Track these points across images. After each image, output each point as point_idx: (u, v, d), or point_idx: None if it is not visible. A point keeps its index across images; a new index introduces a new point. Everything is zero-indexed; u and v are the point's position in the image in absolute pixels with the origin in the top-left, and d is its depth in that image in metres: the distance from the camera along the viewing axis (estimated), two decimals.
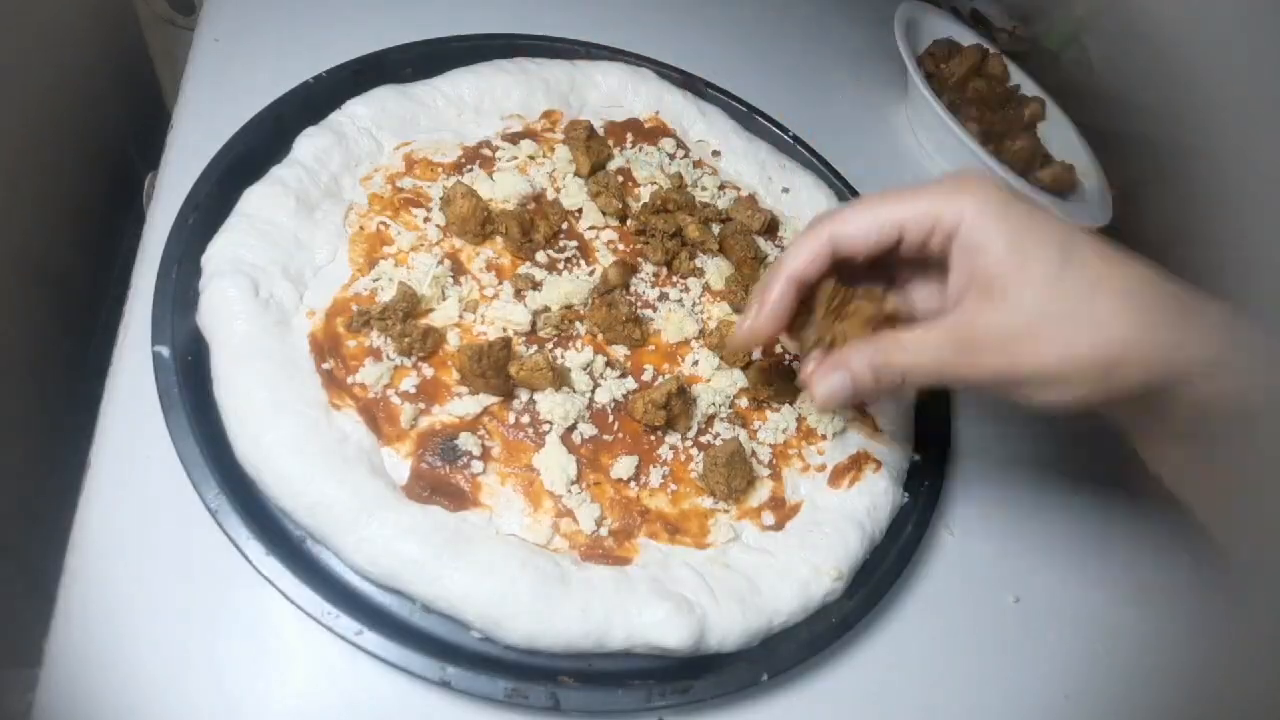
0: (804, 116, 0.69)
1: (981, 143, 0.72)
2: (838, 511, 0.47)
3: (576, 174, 0.55)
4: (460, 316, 0.46)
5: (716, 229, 0.56)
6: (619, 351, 0.49)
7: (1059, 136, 0.80)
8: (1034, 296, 0.33)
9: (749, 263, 0.54)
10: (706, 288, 0.54)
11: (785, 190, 0.63)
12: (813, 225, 0.38)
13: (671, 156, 0.60)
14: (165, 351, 0.41)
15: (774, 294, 0.38)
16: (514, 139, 0.55)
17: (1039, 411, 0.36)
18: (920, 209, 0.35)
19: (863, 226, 0.37)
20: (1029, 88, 0.83)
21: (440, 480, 0.41)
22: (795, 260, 0.37)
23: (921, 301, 0.41)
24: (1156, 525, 0.61)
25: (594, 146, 0.55)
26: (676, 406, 0.45)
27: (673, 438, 0.47)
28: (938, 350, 0.35)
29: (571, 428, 0.45)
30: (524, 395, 0.45)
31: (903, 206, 0.36)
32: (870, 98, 0.82)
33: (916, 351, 0.36)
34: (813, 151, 0.67)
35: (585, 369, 0.47)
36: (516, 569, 0.38)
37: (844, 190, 0.65)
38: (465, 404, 0.44)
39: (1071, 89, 0.86)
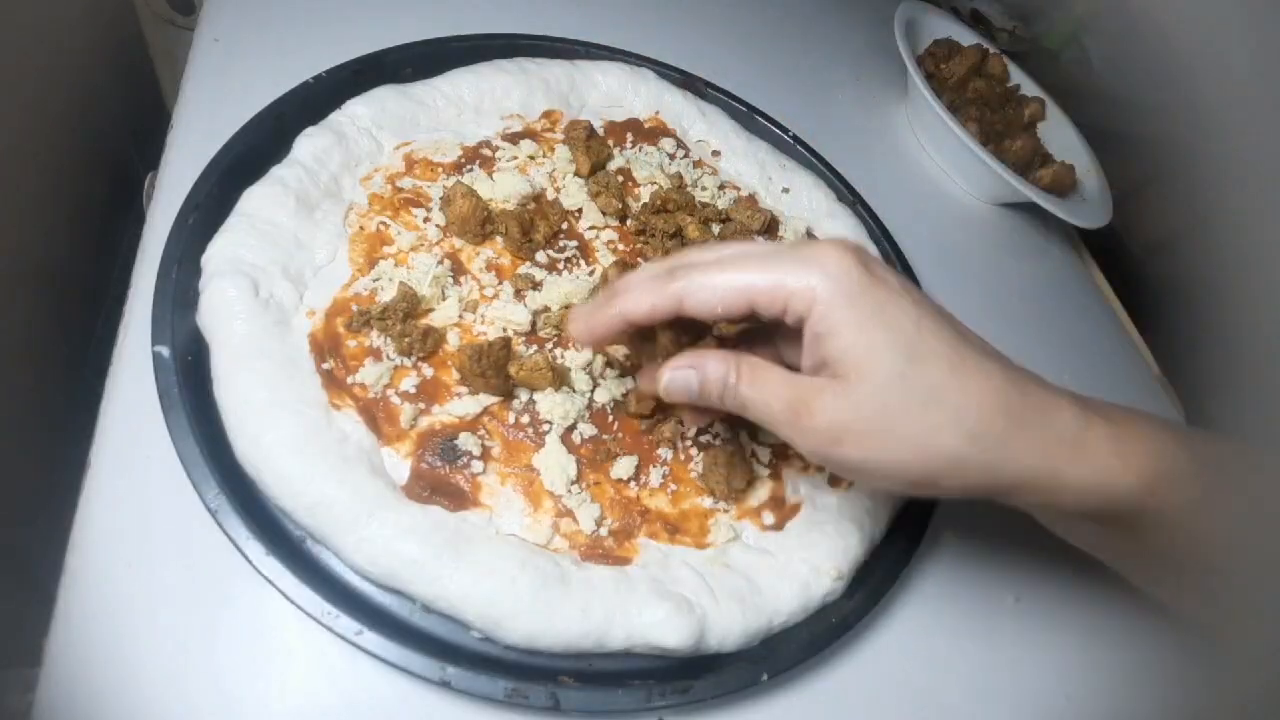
0: (804, 116, 0.69)
1: (981, 142, 0.72)
2: (838, 511, 0.47)
3: (576, 174, 0.55)
4: (460, 316, 0.46)
5: (716, 229, 0.56)
6: (619, 351, 0.49)
7: (1059, 136, 0.80)
8: (874, 396, 0.32)
9: None
10: None
11: (785, 190, 0.63)
12: (666, 275, 0.35)
13: (671, 156, 0.60)
14: (165, 351, 0.41)
15: (602, 320, 0.37)
16: (514, 139, 0.55)
17: None
18: (772, 282, 0.34)
19: (709, 297, 0.34)
20: (1029, 88, 0.83)
21: (440, 480, 0.41)
22: (636, 308, 0.36)
23: (790, 355, 0.40)
24: None
25: (594, 146, 0.55)
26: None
27: (671, 427, 0.46)
28: (779, 407, 0.34)
29: (571, 428, 0.45)
30: (524, 395, 0.45)
31: (755, 277, 0.34)
32: (870, 98, 0.82)
33: (764, 390, 0.35)
34: (813, 151, 0.67)
35: (585, 369, 0.47)
36: (516, 569, 0.38)
37: (844, 190, 0.65)
38: (465, 404, 0.44)
39: (1071, 89, 0.86)
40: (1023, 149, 0.74)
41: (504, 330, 0.47)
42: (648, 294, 0.36)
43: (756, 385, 0.35)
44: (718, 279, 0.35)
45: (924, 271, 0.65)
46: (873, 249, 0.62)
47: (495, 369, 0.42)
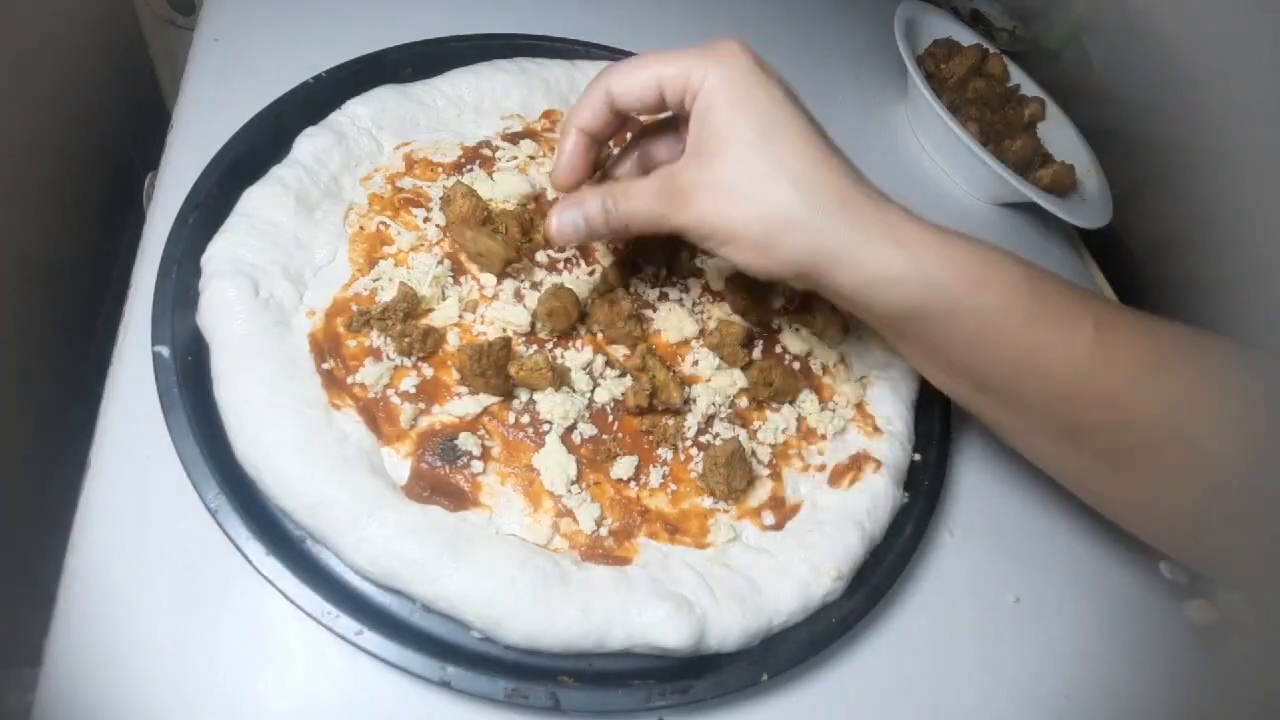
0: None
1: (981, 142, 0.72)
2: (838, 511, 0.47)
3: None
4: (460, 316, 0.46)
5: None
6: (619, 351, 0.49)
7: (1059, 136, 0.80)
8: (732, 163, 0.38)
9: None
10: (706, 288, 0.54)
11: None
12: (594, 80, 0.42)
13: None
14: (165, 351, 0.41)
15: (567, 145, 0.43)
16: (514, 139, 0.55)
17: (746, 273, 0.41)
18: (678, 70, 0.39)
19: (629, 83, 0.41)
20: (1029, 88, 0.83)
21: (440, 480, 0.41)
22: (580, 114, 0.42)
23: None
24: None
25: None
26: (660, 377, 0.45)
27: (670, 420, 0.46)
28: (652, 197, 0.40)
29: (571, 428, 0.45)
30: (524, 395, 0.45)
31: (664, 66, 0.39)
32: (870, 98, 0.82)
33: (637, 197, 0.41)
34: None
35: (585, 369, 0.47)
36: (516, 569, 0.38)
37: None
38: (465, 404, 0.44)
39: (1071, 89, 0.86)
40: (1023, 149, 0.74)
41: (504, 330, 0.47)
42: (583, 101, 0.42)
43: (630, 196, 0.41)
44: (635, 71, 0.40)
45: None
46: None
47: (495, 369, 0.42)
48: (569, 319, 0.47)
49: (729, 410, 0.49)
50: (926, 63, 0.79)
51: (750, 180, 0.38)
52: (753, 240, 0.38)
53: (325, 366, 0.42)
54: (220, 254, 0.43)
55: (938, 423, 0.54)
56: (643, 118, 0.44)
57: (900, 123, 0.81)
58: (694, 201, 0.39)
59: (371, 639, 0.36)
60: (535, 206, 0.52)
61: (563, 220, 0.42)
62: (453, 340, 0.45)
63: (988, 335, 0.40)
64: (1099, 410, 0.40)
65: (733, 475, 0.45)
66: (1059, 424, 0.42)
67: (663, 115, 0.45)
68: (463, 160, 0.53)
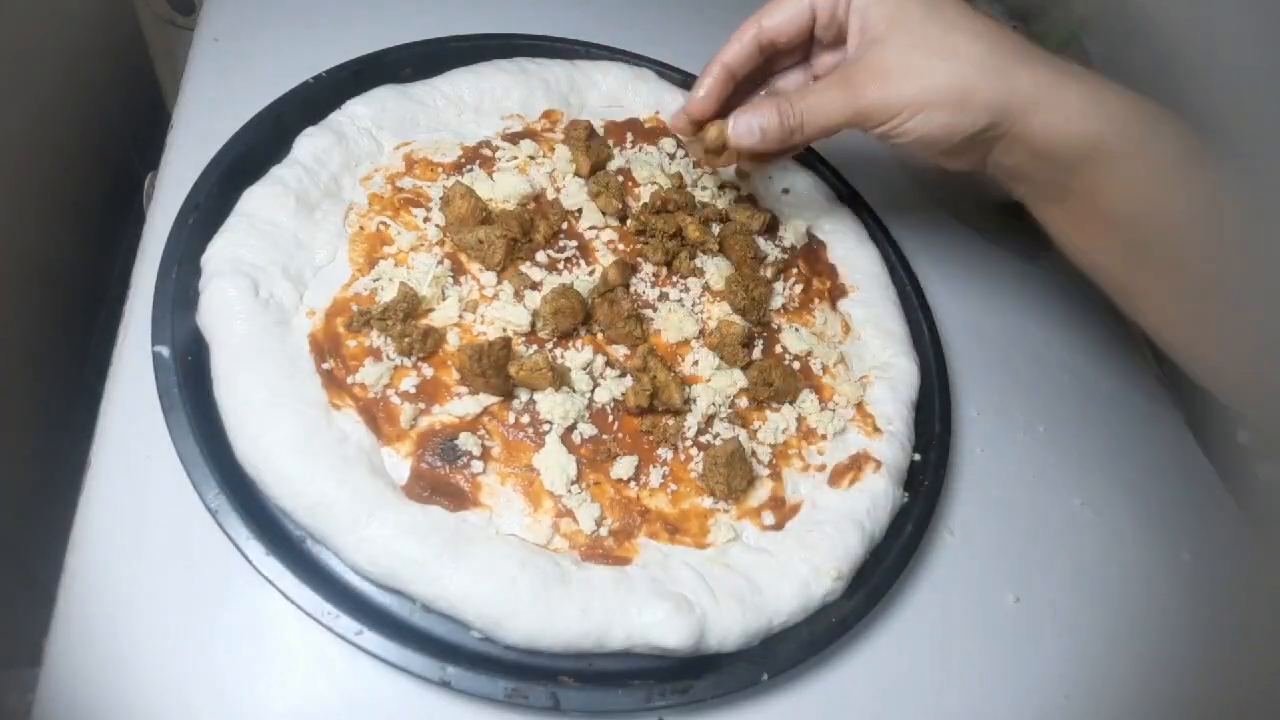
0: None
1: None
2: (838, 511, 0.47)
3: (576, 174, 0.55)
4: (460, 316, 0.46)
5: (716, 229, 0.56)
6: (619, 351, 0.49)
7: None
8: (904, 38, 0.42)
9: (749, 263, 0.54)
10: (706, 288, 0.54)
11: (785, 191, 0.63)
12: (742, 25, 0.47)
13: (671, 156, 0.60)
14: (165, 351, 0.41)
15: (710, 78, 0.48)
16: (514, 139, 0.55)
17: (914, 156, 0.45)
18: None
19: (783, 15, 0.45)
20: None
21: (440, 480, 0.41)
22: (727, 50, 0.47)
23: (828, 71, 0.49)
24: (1156, 525, 0.61)
25: (594, 146, 0.55)
26: (661, 377, 0.46)
27: (670, 420, 0.46)
28: (829, 90, 0.44)
29: (571, 428, 0.45)
30: (524, 395, 0.45)
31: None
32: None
33: (814, 93, 0.44)
34: (813, 151, 0.67)
35: (585, 369, 0.47)
36: (516, 569, 0.38)
37: (843, 190, 0.65)
38: (465, 404, 0.44)
39: None
40: None
41: (504, 330, 0.47)
42: (732, 40, 0.47)
43: (807, 94, 0.44)
44: (787, 4, 0.46)
45: (924, 269, 0.65)
46: (873, 250, 0.62)
47: (495, 369, 0.42)
48: (574, 319, 0.47)
49: (729, 410, 0.49)
50: None
51: (932, 46, 0.41)
52: (946, 99, 0.41)
53: (325, 366, 0.42)
54: (220, 254, 0.43)
55: (938, 423, 0.54)
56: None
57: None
58: (878, 81, 0.42)
59: (371, 639, 0.36)
60: (535, 206, 0.52)
61: (739, 124, 0.46)
62: (453, 340, 0.45)
63: (1162, 178, 0.42)
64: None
65: (733, 475, 0.45)
66: (1201, 281, 0.44)
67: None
68: (463, 160, 0.53)
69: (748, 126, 0.45)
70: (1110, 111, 0.41)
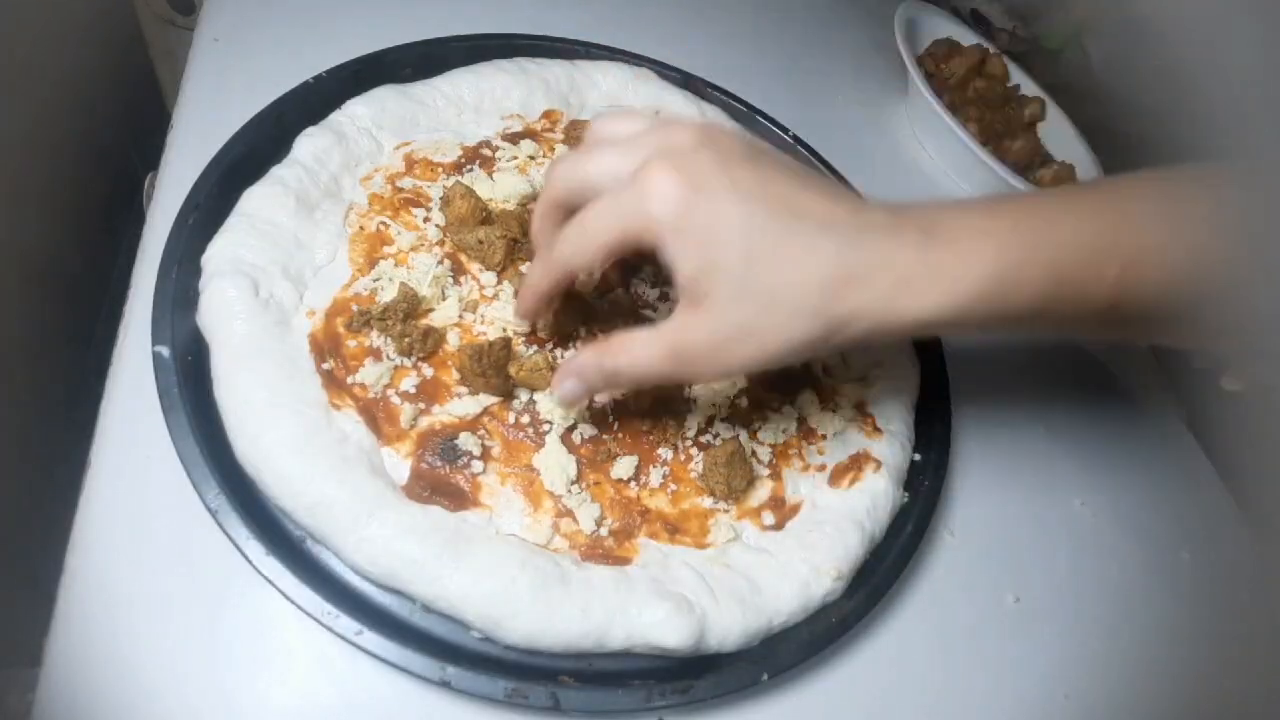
0: (804, 116, 0.69)
1: (981, 142, 0.72)
2: (838, 511, 0.47)
3: None
4: (460, 316, 0.46)
5: None
6: None
7: (1059, 136, 0.80)
8: (727, 313, 0.35)
9: None
10: None
11: None
12: (550, 250, 0.38)
13: None
14: (165, 351, 0.41)
15: (525, 309, 0.43)
16: (514, 139, 0.55)
17: None
18: (621, 234, 0.36)
19: (587, 262, 0.38)
20: (1029, 88, 0.83)
21: (440, 480, 0.41)
22: (539, 285, 0.41)
23: None
24: (1156, 525, 0.61)
25: None
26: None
27: (670, 420, 0.46)
28: (659, 362, 0.37)
29: (571, 428, 0.45)
30: (524, 395, 0.45)
31: (609, 236, 0.36)
32: (870, 97, 0.81)
33: (640, 361, 0.37)
34: (813, 151, 0.67)
35: None
36: (516, 569, 0.38)
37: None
38: (465, 404, 0.43)
39: (1071, 89, 0.86)
40: (1023, 149, 0.74)
41: (504, 330, 0.47)
42: (544, 274, 0.40)
43: (626, 356, 0.38)
44: (584, 244, 0.37)
45: None
46: None
47: (495, 369, 0.42)
48: (575, 319, 0.47)
49: (729, 410, 0.49)
50: (926, 63, 0.79)
51: (757, 321, 0.35)
52: (789, 359, 0.36)
53: (325, 366, 0.42)
54: (220, 254, 0.43)
55: (938, 423, 0.54)
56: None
57: (900, 124, 0.81)
58: (707, 357, 0.36)
59: (371, 639, 0.36)
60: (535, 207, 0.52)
61: (565, 391, 0.40)
62: (453, 340, 0.45)
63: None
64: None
65: (733, 475, 0.45)
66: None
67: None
68: (463, 160, 0.53)
69: (573, 390, 0.40)
70: (978, 286, 0.35)
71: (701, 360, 0.36)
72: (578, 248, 0.37)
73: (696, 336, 0.36)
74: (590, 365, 0.39)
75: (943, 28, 0.83)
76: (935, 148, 0.78)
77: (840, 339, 0.36)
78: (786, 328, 0.35)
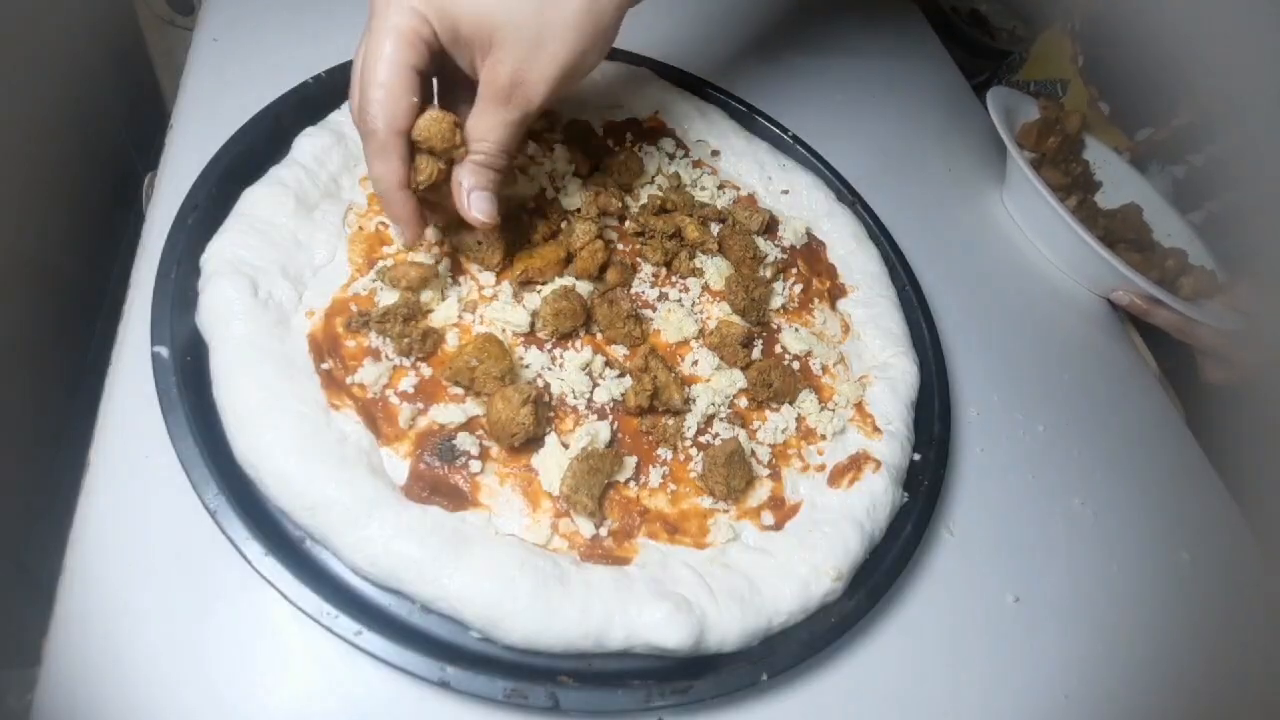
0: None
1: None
2: (837, 511, 0.47)
3: (576, 174, 0.55)
4: (460, 317, 0.46)
5: (716, 229, 0.56)
6: (618, 351, 0.49)
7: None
8: (518, 35, 0.40)
9: (748, 263, 0.54)
10: (706, 288, 0.54)
11: (785, 192, 0.63)
12: (381, 127, 0.41)
13: (671, 156, 0.60)
14: (164, 352, 0.41)
15: (397, 216, 0.44)
16: None
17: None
18: (395, 39, 0.40)
19: (383, 98, 0.40)
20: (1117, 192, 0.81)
21: (439, 480, 0.41)
22: (383, 175, 0.42)
23: None
24: (1156, 525, 0.61)
25: (593, 146, 0.55)
26: (662, 378, 0.45)
27: (670, 420, 0.46)
28: (489, 114, 0.41)
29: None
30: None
31: (381, 49, 0.41)
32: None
33: (480, 130, 0.42)
34: (812, 151, 0.67)
35: (585, 369, 0.47)
36: (515, 569, 0.38)
37: (843, 190, 0.65)
38: (465, 404, 0.43)
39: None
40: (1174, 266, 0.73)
41: (503, 331, 0.47)
42: (378, 163, 0.41)
43: (475, 135, 0.42)
44: (392, 97, 0.40)
45: (923, 269, 0.65)
46: (873, 250, 0.62)
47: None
48: (576, 320, 0.47)
49: (729, 410, 0.49)
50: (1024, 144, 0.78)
51: (541, 31, 0.40)
52: (579, 76, 0.42)
53: (324, 367, 0.42)
54: (219, 254, 0.43)
55: (938, 423, 0.54)
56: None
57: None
58: (522, 75, 0.40)
59: (371, 639, 0.36)
60: (535, 206, 0.52)
61: (475, 207, 0.43)
62: (452, 340, 0.45)
63: None
64: None
65: (732, 475, 0.45)
66: None
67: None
68: None
69: (482, 205, 0.43)
70: None
71: (520, 88, 0.41)
72: (371, 91, 0.40)
73: (502, 69, 0.40)
74: (469, 180, 0.43)
75: (1030, 110, 0.80)
76: (1038, 234, 0.76)
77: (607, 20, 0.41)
78: (558, 46, 0.40)
